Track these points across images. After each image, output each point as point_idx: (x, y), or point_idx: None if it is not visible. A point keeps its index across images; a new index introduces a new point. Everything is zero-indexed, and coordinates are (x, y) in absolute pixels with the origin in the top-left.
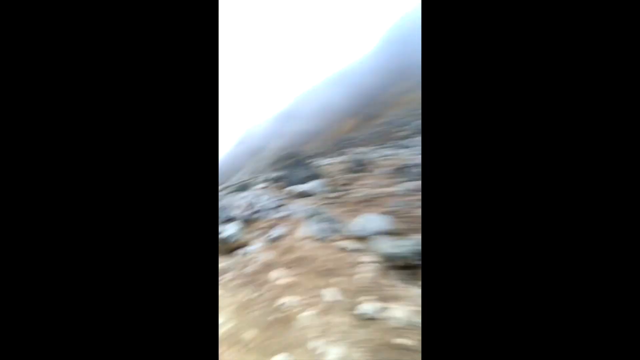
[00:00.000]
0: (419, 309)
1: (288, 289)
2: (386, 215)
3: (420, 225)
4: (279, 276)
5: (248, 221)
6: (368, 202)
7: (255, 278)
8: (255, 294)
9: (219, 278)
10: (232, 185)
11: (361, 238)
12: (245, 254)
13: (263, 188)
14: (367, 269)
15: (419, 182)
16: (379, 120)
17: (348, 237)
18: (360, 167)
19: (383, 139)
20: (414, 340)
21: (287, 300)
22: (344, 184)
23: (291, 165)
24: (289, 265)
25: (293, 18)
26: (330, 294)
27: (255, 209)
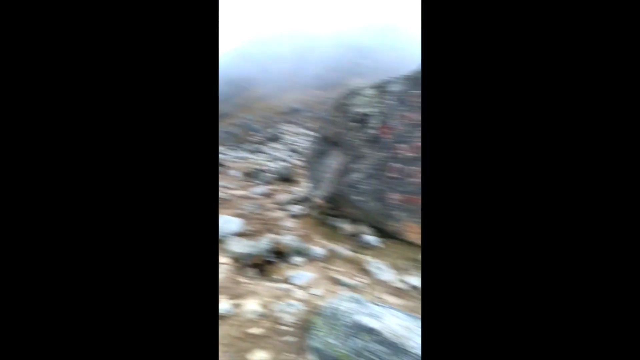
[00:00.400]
0: (271, 300)
1: None
2: (239, 217)
3: (268, 227)
4: None
5: None
6: (222, 204)
7: None
8: None
9: None
10: None
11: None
12: None
13: None
14: (221, 269)
15: (270, 187)
16: (233, 120)
17: None
18: None
19: (236, 140)
20: (265, 329)
21: None
22: None
23: None
24: None
25: None
26: None
27: None
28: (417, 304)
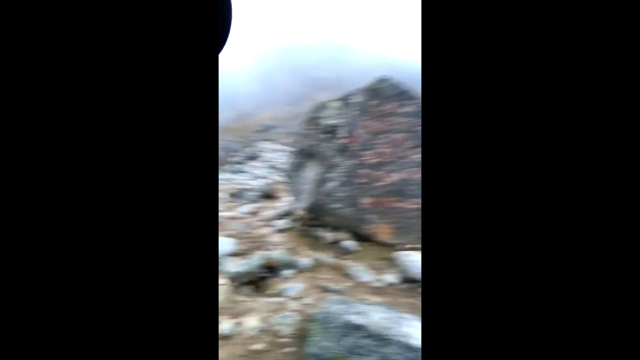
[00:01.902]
0: (269, 314)
1: None
2: (230, 238)
3: (258, 244)
4: None
5: None
6: None
7: None
8: None
9: None
10: None
11: None
12: None
13: None
14: (220, 289)
15: (256, 205)
16: (221, 145)
17: None
18: None
19: (223, 164)
20: (266, 344)
21: None
22: None
23: None
24: None
25: None
26: None
27: None
28: (394, 299)
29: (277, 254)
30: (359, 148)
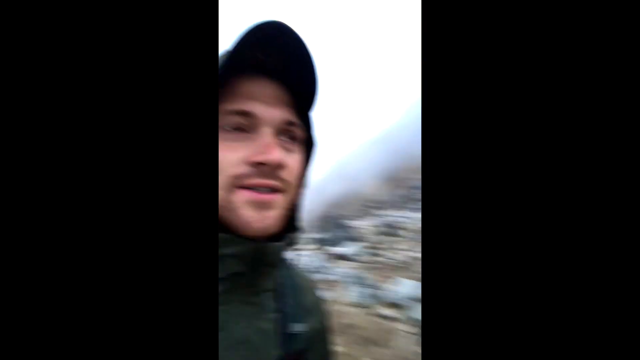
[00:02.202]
0: None
1: None
2: (415, 281)
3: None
4: None
5: None
6: (402, 267)
7: None
8: None
9: None
10: None
11: (397, 305)
12: None
13: (302, 249)
14: (403, 336)
15: None
16: (406, 183)
17: (385, 304)
18: (391, 230)
19: (407, 202)
20: None
21: None
22: (379, 248)
23: (329, 227)
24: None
25: (339, 78)
26: None
27: None
28: None
29: None
30: None
